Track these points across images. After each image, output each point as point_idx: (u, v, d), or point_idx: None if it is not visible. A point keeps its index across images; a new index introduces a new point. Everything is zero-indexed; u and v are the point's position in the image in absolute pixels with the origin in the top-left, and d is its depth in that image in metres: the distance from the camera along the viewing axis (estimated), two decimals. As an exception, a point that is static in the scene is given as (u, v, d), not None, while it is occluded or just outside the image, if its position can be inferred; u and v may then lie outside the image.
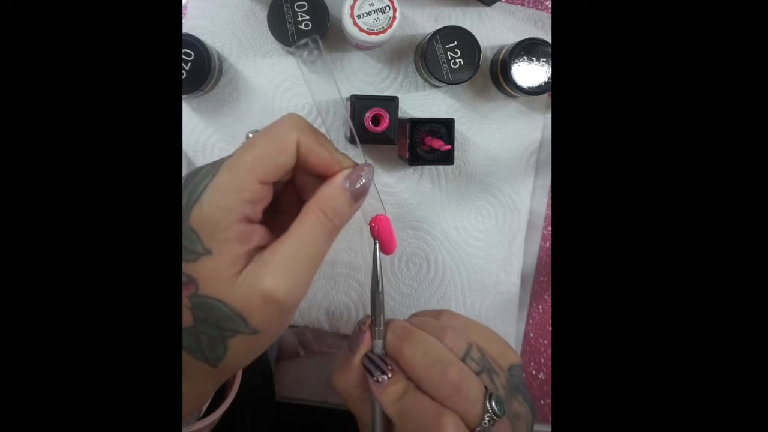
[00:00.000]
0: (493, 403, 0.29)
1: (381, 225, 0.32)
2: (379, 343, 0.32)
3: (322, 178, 0.30)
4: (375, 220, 0.32)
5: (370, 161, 0.49)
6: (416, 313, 0.38)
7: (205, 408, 0.37)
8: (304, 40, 0.29)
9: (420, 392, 0.30)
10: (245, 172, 0.26)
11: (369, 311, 0.34)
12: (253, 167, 0.26)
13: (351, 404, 0.34)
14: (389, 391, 0.30)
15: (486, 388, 0.30)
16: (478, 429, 0.29)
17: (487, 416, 0.29)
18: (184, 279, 0.26)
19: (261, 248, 0.27)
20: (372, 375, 0.31)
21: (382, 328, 0.32)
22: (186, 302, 0.26)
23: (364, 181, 0.29)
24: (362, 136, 0.43)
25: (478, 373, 0.31)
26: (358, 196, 0.29)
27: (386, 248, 0.32)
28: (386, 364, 0.31)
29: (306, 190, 0.31)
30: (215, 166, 0.27)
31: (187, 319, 0.26)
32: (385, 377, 0.30)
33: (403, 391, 0.30)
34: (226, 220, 0.26)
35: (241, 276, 0.26)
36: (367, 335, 0.32)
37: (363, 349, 0.32)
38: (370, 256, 0.33)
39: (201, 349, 0.27)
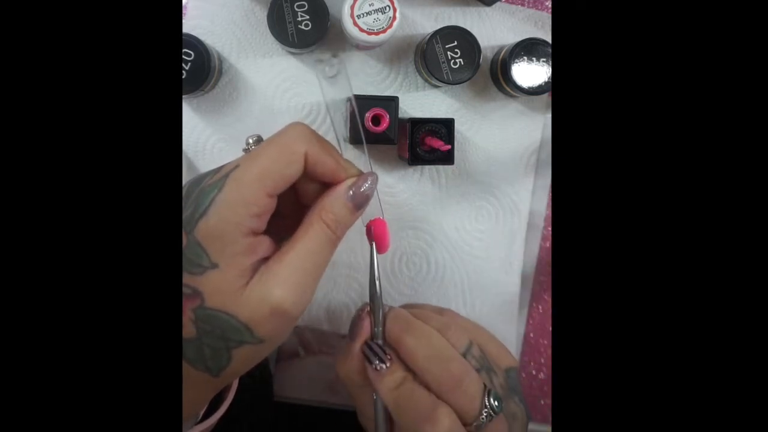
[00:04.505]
0: (492, 400, 0.30)
1: (377, 227, 0.32)
2: (379, 331, 0.32)
3: (325, 184, 0.30)
4: (372, 223, 0.32)
5: (373, 163, 0.49)
6: (417, 304, 0.38)
7: (202, 412, 0.37)
8: (326, 55, 0.29)
9: (417, 383, 0.30)
10: (253, 186, 0.26)
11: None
12: (261, 180, 0.26)
13: (352, 391, 0.34)
14: (387, 380, 0.31)
15: (485, 385, 0.30)
16: (474, 424, 0.29)
17: (485, 412, 0.29)
18: (188, 291, 0.26)
19: (265, 258, 0.27)
20: (371, 362, 0.31)
21: (381, 328, 0.32)
22: (190, 314, 0.26)
23: (366, 191, 0.29)
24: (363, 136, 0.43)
25: (477, 371, 0.31)
26: (359, 205, 0.29)
27: (378, 249, 0.33)
28: (385, 353, 0.31)
29: (306, 195, 0.31)
30: (221, 178, 0.27)
31: (190, 330, 0.26)
32: (384, 366, 0.31)
33: (401, 380, 0.30)
34: (234, 234, 0.26)
35: (248, 288, 0.26)
36: (366, 323, 0.33)
37: (362, 337, 0.32)
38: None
39: (203, 360, 0.27)
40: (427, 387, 0.30)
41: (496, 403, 0.30)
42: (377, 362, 0.31)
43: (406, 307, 0.36)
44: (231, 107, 0.48)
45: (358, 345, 0.32)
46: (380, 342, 0.32)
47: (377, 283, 0.33)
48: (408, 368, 0.31)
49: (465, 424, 0.29)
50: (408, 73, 0.49)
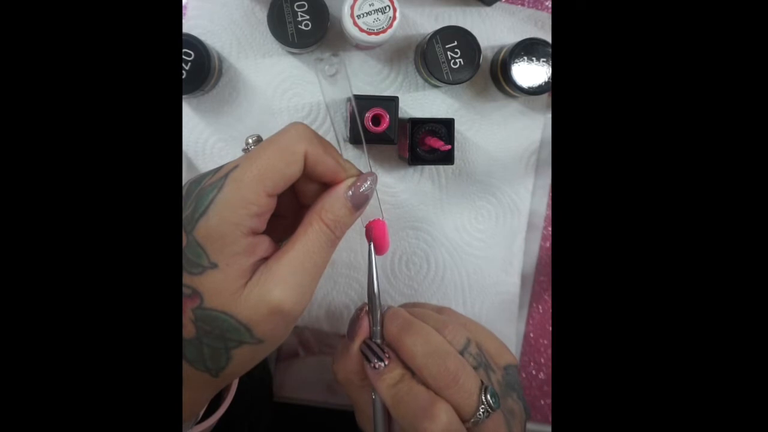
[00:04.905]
0: (489, 396, 0.30)
1: (376, 229, 0.32)
2: (377, 330, 0.32)
3: (324, 184, 0.30)
4: (371, 224, 0.32)
5: (373, 163, 0.49)
6: (416, 303, 0.38)
7: (202, 413, 0.37)
8: (326, 54, 0.29)
9: (416, 381, 0.31)
10: (253, 186, 0.26)
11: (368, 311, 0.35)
12: (261, 180, 0.26)
13: (350, 392, 0.34)
14: (386, 377, 0.31)
15: (482, 381, 0.30)
16: (472, 420, 0.29)
17: (482, 408, 0.29)
18: (188, 291, 0.26)
19: (264, 258, 0.27)
20: (369, 361, 0.31)
21: (379, 328, 0.33)
22: (189, 315, 0.26)
23: (366, 191, 0.29)
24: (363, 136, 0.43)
25: (475, 368, 0.31)
26: (359, 206, 0.29)
27: (378, 250, 0.33)
28: (384, 351, 0.31)
29: (305, 195, 0.31)
30: (221, 178, 0.27)
31: (190, 331, 0.26)
32: (382, 364, 0.31)
33: (400, 378, 0.31)
34: (234, 234, 0.26)
35: (248, 288, 0.26)
36: (365, 322, 0.33)
37: (361, 336, 0.33)
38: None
39: (203, 360, 0.27)
40: (426, 384, 0.30)
41: (493, 399, 0.30)
42: (376, 361, 0.31)
43: (405, 306, 0.36)
44: (231, 107, 0.48)
45: (356, 344, 0.33)
46: (378, 341, 0.32)
47: (375, 282, 0.33)
48: (406, 366, 0.31)
49: (463, 421, 0.29)
50: (408, 73, 0.49)
